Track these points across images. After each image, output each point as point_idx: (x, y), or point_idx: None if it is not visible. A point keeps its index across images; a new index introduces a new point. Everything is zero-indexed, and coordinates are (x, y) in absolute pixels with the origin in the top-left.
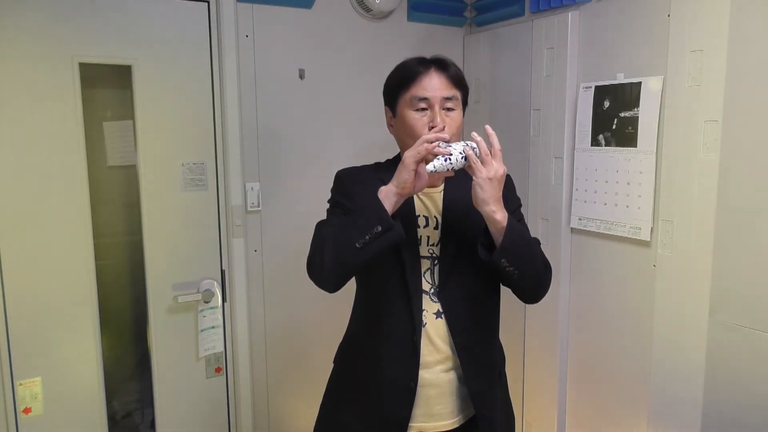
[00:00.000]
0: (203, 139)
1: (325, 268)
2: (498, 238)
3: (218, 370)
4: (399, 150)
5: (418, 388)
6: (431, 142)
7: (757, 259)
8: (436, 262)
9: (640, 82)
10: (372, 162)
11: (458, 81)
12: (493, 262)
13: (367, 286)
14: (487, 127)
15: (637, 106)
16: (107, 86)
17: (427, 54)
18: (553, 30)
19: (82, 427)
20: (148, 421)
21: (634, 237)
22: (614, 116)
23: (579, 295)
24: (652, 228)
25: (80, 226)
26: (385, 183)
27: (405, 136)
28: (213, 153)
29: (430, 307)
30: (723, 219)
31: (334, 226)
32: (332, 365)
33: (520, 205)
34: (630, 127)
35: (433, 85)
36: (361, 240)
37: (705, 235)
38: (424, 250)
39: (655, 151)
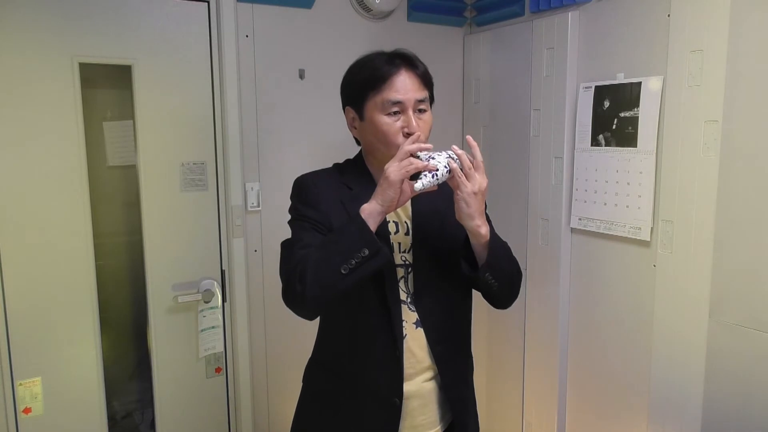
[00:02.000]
0: (203, 139)
1: (307, 297)
2: (480, 251)
3: (218, 370)
4: (362, 151)
5: (402, 399)
6: (413, 154)
7: (757, 259)
8: (410, 269)
9: (640, 82)
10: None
11: (427, 80)
12: (478, 278)
13: (340, 300)
14: (469, 138)
15: (637, 106)
16: (107, 86)
17: (425, 54)
18: (553, 30)
19: (82, 427)
20: (148, 421)
21: (634, 237)
22: (614, 116)
23: (579, 295)
24: (652, 228)
25: (80, 226)
26: (351, 189)
27: (376, 141)
28: (213, 153)
29: (409, 317)
30: (723, 219)
31: (309, 247)
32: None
33: (486, 206)
34: (630, 127)
35: (406, 86)
36: (346, 265)
37: (705, 235)
38: (397, 258)
39: (655, 151)
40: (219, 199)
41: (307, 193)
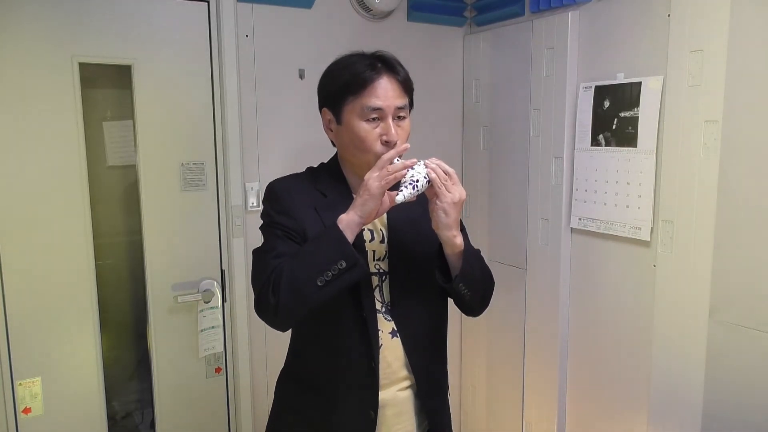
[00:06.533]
0: (203, 139)
1: (281, 309)
2: (454, 261)
3: (218, 370)
4: (337, 154)
5: (377, 411)
6: (393, 164)
7: (757, 259)
8: (384, 278)
9: (640, 82)
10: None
11: (408, 85)
12: (452, 289)
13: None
14: (434, 159)
15: (637, 106)
16: (107, 86)
17: (425, 54)
18: (553, 30)
19: (82, 427)
20: (148, 421)
21: (634, 237)
22: (614, 116)
23: (579, 295)
24: (652, 228)
25: (80, 226)
26: (326, 196)
27: (353, 147)
28: (213, 153)
29: (385, 326)
30: (723, 219)
31: (282, 256)
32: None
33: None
34: (630, 127)
35: (387, 93)
36: (322, 277)
37: (705, 235)
38: (371, 266)
39: (655, 151)
40: (219, 199)
41: (280, 199)
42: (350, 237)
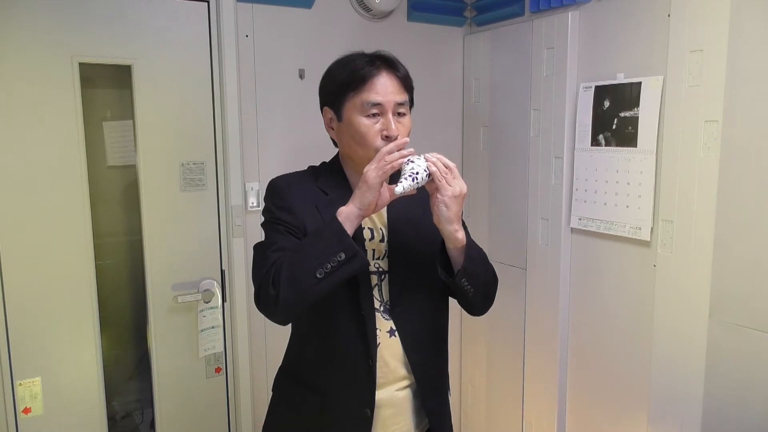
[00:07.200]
0: (203, 139)
1: (280, 301)
2: (456, 256)
3: (218, 370)
4: (339, 153)
5: (374, 410)
6: (391, 154)
7: (757, 259)
8: (383, 277)
9: (640, 82)
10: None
11: (408, 83)
12: (454, 284)
13: (312, 307)
14: (434, 153)
15: (637, 106)
16: (107, 86)
17: (425, 54)
18: (553, 30)
19: (82, 427)
20: (148, 421)
21: (634, 237)
22: (614, 116)
23: (579, 295)
24: (652, 228)
25: (80, 225)
26: (327, 194)
27: (354, 143)
28: (213, 153)
29: (383, 325)
30: (723, 219)
31: (282, 250)
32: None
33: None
34: (630, 127)
35: (386, 89)
36: (321, 269)
37: (705, 235)
38: (370, 265)
39: (655, 151)
40: (219, 198)
41: (281, 196)
42: (350, 229)
